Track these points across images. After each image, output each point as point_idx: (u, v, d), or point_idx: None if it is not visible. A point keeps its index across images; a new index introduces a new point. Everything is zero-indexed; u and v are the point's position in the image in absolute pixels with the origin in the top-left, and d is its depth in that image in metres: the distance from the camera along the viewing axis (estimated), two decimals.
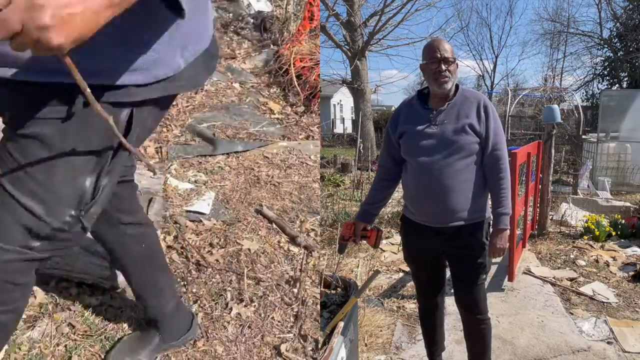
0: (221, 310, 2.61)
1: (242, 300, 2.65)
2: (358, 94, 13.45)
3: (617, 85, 19.48)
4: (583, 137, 10.60)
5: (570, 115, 12.44)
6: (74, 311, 2.60)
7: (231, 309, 2.60)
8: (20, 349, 2.39)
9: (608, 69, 20.22)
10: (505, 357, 2.86)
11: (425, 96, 2.20)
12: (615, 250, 4.76)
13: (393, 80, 58.42)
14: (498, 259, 4.46)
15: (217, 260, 2.89)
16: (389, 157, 2.29)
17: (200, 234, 3.11)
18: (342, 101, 30.35)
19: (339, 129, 26.76)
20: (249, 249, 2.99)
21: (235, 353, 2.40)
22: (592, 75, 21.32)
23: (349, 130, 25.13)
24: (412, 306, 3.51)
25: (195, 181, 3.63)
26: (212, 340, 2.45)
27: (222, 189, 3.56)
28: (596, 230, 5.02)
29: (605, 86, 19.97)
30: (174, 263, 2.90)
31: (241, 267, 2.86)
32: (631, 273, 4.16)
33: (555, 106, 5.43)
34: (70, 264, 2.64)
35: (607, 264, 4.42)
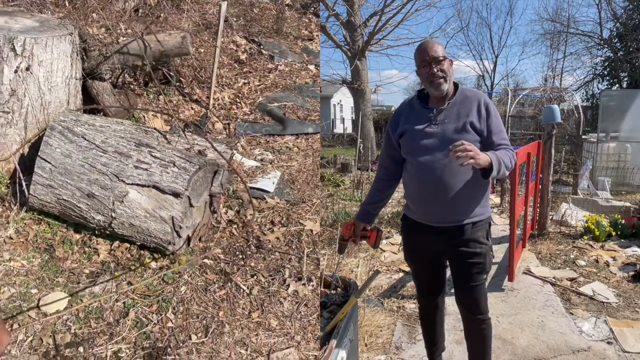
0: (278, 286, 2.67)
1: (300, 279, 2.70)
2: (358, 94, 13.46)
3: (617, 85, 19.47)
4: (583, 137, 10.59)
5: (570, 115, 12.43)
6: (135, 271, 2.72)
7: (288, 285, 2.65)
8: (82, 300, 2.53)
9: (608, 69, 20.21)
10: (505, 357, 2.86)
11: (426, 96, 2.20)
12: (615, 250, 4.75)
13: (393, 80, 58.63)
14: (497, 260, 4.46)
15: (277, 238, 2.94)
16: (389, 157, 2.29)
17: (263, 211, 3.17)
18: (342, 101, 30.35)
19: (339, 129, 26.77)
20: (311, 230, 3.02)
21: (290, 328, 2.47)
22: (592, 75, 21.33)
23: (349, 130, 25.13)
24: (412, 306, 3.51)
25: (262, 159, 3.66)
26: (267, 314, 2.52)
27: (288, 169, 3.59)
28: (596, 230, 5.02)
29: (605, 86, 19.98)
30: (234, 237, 2.95)
31: (302, 246, 2.91)
32: (631, 273, 4.16)
33: (555, 106, 5.43)
34: (136, 226, 2.69)
35: (607, 264, 4.42)
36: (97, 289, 2.61)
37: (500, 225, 5.83)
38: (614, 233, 5.10)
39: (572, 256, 4.64)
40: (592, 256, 4.61)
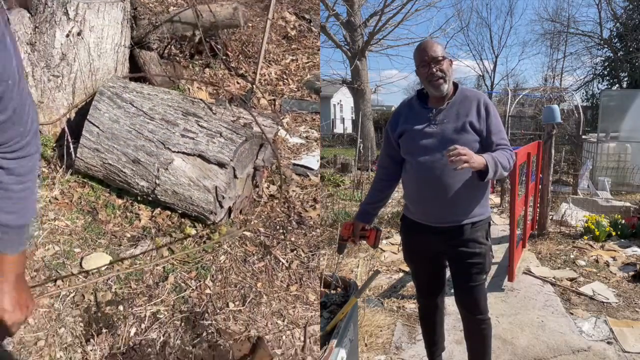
0: (318, 262, 2.75)
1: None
2: (358, 94, 13.45)
3: (617, 85, 19.47)
4: (583, 137, 10.59)
5: (570, 115, 12.43)
6: (175, 238, 2.80)
7: None
8: (122, 262, 2.62)
9: (608, 69, 20.21)
10: (505, 357, 2.86)
11: (425, 96, 2.20)
12: (615, 250, 4.75)
13: (393, 80, 58.57)
14: (497, 260, 4.45)
15: (319, 215, 2.98)
16: (388, 157, 2.29)
17: (305, 188, 3.23)
18: (342, 101, 30.34)
19: (339, 129, 26.76)
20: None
21: None
22: (592, 75, 21.32)
23: (349, 130, 25.13)
24: (412, 306, 3.50)
25: (307, 137, 3.69)
26: (305, 288, 2.59)
27: None
28: (596, 230, 5.01)
29: (605, 86, 19.98)
30: (275, 212, 2.98)
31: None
32: (631, 273, 4.15)
33: (555, 106, 5.42)
34: (179, 193, 2.70)
35: (607, 264, 4.42)
36: (137, 253, 2.68)
37: (500, 225, 5.83)
38: (614, 233, 5.10)
39: (572, 256, 4.64)
40: (592, 256, 4.61)
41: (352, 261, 4.40)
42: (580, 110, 11.49)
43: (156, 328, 2.37)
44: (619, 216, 5.33)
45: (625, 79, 19.19)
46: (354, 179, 8.30)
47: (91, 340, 2.30)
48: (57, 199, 2.92)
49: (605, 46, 20.46)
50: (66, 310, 2.40)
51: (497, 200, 7.30)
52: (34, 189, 1.23)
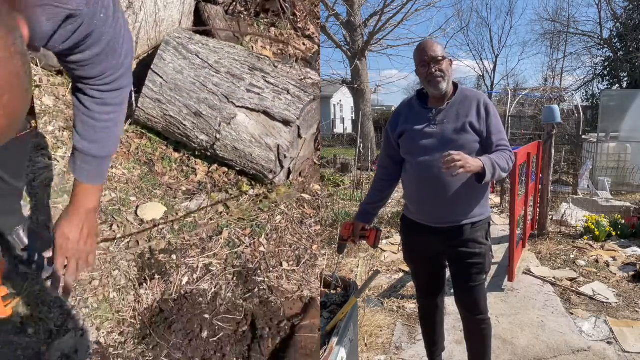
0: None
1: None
2: (358, 94, 13.45)
3: (617, 85, 19.46)
4: (583, 137, 10.59)
5: (570, 115, 12.42)
6: (231, 195, 2.81)
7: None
8: (177, 214, 2.67)
9: (608, 69, 20.21)
10: (505, 357, 2.86)
11: (425, 96, 2.20)
12: (615, 250, 4.75)
13: (393, 80, 58.61)
14: (497, 260, 4.45)
15: None
16: (388, 157, 2.29)
17: None
18: (342, 101, 30.35)
19: (339, 129, 26.77)
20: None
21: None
22: (592, 75, 21.32)
23: (349, 130, 25.13)
24: (412, 306, 3.50)
25: None
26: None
27: None
28: (596, 230, 5.01)
29: (605, 86, 19.97)
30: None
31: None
32: (631, 273, 4.15)
33: (555, 106, 5.42)
34: (239, 150, 2.72)
35: (607, 264, 4.42)
36: (192, 206, 2.69)
37: (500, 225, 5.83)
38: (614, 233, 5.10)
39: (572, 256, 4.64)
40: (592, 256, 4.61)
41: (352, 261, 4.40)
42: (580, 110, 11.48)
43: (208, 279, 2.41)
44: (619, 216, 5.33)
45: (625, 79, 19.18)
46: (354, 179, 8.30)
47: (144, 284, 2.35)
48: None
49: (605, 46, 20.45)
50: (121, 254, 2.45)
51: (497, 200, 7.30)
52: (119, 122, 1.22)
